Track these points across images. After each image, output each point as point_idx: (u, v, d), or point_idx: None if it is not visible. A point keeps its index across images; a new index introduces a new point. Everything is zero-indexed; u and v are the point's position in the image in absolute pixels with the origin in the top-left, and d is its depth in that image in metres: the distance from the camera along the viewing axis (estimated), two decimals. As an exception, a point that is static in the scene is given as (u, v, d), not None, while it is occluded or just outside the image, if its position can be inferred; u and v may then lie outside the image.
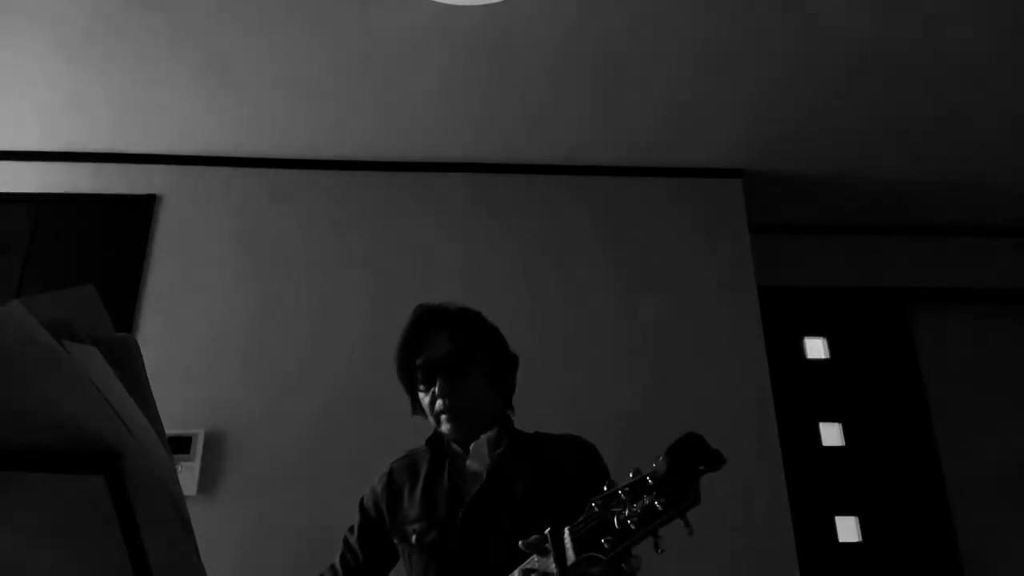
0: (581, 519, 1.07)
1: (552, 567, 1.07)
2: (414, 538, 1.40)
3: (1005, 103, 2.64)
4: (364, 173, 2.92)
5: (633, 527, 0.98)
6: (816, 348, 3.33)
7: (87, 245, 2.74)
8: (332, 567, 1.54)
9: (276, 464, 2.48)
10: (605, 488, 1.05)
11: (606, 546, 1.01)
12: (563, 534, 1.07)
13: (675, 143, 2.86)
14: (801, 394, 3.15)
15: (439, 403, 1.43)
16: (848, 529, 3.04)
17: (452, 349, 1.45)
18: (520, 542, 1.11)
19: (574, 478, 1.38)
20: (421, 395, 1.49)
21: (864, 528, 3.03)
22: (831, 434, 3.16)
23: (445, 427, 1.45)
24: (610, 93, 2.57)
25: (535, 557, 1.11)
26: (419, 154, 2.90)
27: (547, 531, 1.09)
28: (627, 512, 0.99)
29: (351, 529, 1.55)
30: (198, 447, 2.44)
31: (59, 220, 2.76)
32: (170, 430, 1.75)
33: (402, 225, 2.86)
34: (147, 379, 0.53)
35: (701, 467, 0.95)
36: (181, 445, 2.42)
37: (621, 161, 2.95)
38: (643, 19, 2.24)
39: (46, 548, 0.37)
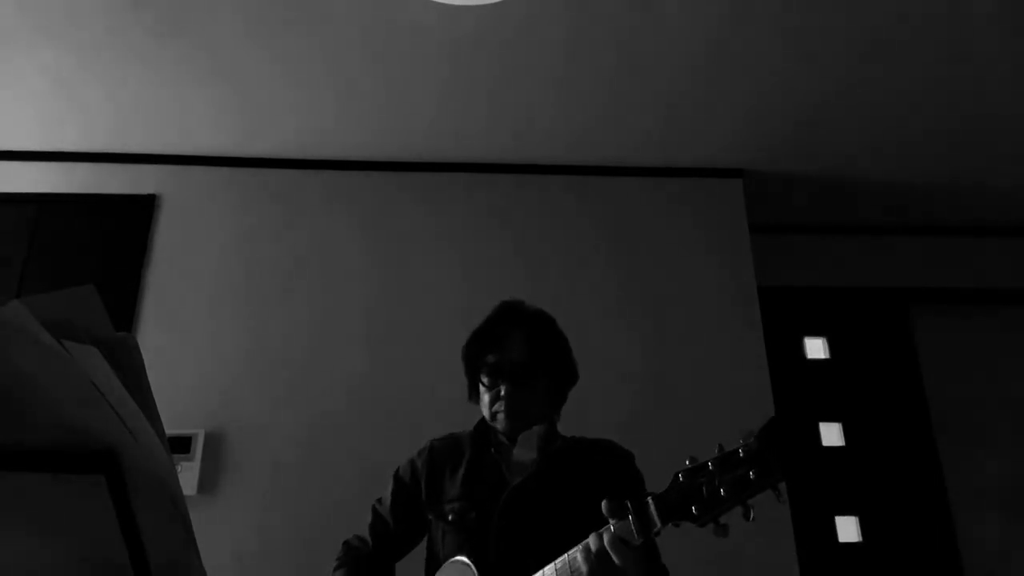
0: (666, 489, 1.09)
1: (632, 532, 1.10)
2: (451, 516, 1.44)
3: (1004, 103, 2.64)
4: (364, 173, 2.92)
5: (724, 495, 1.02)
6: (816, 348, 3.33)
7: (87, 245, 2.74)
8: (358, 536, 1.57)
9: (276, 464, 2.48)
10: (688, 462, 1.08)
11: (695, 512, 1.05)
12: (647, 501, 1.10)
13: (675, 143, 2.86)
14: (801, 394, 3.15)
15: (499, 404, 1.48)
16: (848, 529, 3.04)
17: (526, 356, 1.49)
18: (603, 503, 1.14)
19: (612, 483, 1.42)
20: (482, 389, 1.52)
21: (864, 528, 3.03)
22: (831, 434, 3.16)
23: (499, 425, 1.49)
24: (610, 93, 2.57)
25: (612, 522, 1.13)
26: (419, 154, 2.90)
27: (627, 501, 1.12)
28: (717, 482, 1.03)
29: (379, 500, 1.59)
30: (198, 447, 2.44)
31: (59, 220, 2.76)
32: (170, 430, 1.75)
33: (402, 225, 2.86)
34: (147, 379, 0.53)
35: (791, 446, 1.02)
36: (181, 445, 2.42)
37: (621, 161, 2.95)
38: (642, 19, 2.24)
39: (45, 548, 0.37)
